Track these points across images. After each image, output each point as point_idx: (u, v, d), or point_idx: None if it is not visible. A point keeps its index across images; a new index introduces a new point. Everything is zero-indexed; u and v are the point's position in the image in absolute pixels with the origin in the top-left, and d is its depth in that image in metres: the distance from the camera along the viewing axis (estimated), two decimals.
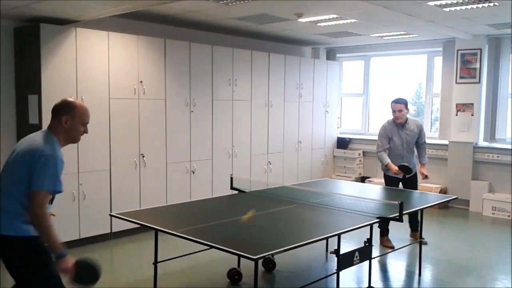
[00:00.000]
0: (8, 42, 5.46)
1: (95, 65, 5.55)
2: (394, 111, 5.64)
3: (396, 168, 5.54)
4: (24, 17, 5.25)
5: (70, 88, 5.36)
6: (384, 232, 5.69)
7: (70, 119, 2.80)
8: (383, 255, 5.30)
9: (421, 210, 4.66)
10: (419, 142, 5.80)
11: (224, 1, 5.23)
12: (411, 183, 5.75)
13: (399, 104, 5.61)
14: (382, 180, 6.10)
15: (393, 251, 5.46)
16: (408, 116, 5.77)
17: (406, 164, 5.55)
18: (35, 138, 2.77)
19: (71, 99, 2.92)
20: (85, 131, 2.90)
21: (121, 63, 5.78)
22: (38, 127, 5.19)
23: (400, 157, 5.67)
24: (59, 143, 2.80)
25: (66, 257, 2.64)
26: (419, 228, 5.59)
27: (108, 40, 5.65)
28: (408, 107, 5.72)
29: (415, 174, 5.81)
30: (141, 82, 5.96)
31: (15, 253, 2.65)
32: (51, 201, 2.84)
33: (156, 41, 6.12)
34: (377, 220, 3.85)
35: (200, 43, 6.70)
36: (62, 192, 2.78)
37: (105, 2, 4.67)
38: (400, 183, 5.79)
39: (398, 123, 5.67)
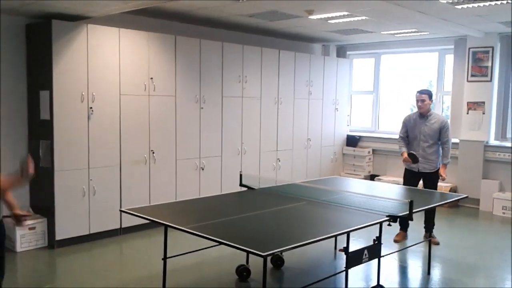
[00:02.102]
0: (20, 38, 5.51)
1: (106, 62, 5.58)
2: (417, 101, 5.74)
3: (405, 155, 5.69)
4: (36, 13, 5.29)
5: (81, 84, 5.39)
6: (403, 226, 5.77)
7: None
8: (392, 253, 5.28)
9: (432, 208, 4.63)
10: (442, 141, 5.73)
11: None
12: (431, 182, 5.73)
13: (423, 94, 5.71)
14: (391, 178, 6.11)
15: (402, 249, 5.45)
16: (434, 111, 5.87)
17: (413, 152, 5.64)
18: None
19: None
20: None
21: (132, 59, 5.81)
22: (49, 122, 5.24)
23: (416, 149, 5.71)
24: None
25: None
26: (431, 229, 5.59)
27: (119, 37, 5.67)
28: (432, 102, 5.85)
29: (436, 174, 5.76)
30: (151, 78, 5.98)
31: None
32: None
33: (166, 38, 6.14)
34: (387, 218, 3.83)
35: (211, 40, 6.71)
36: None
37: None
38: (421, 182, 5.81)
39: (420, 114, 5.74)
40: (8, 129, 5.49)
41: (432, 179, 5.74)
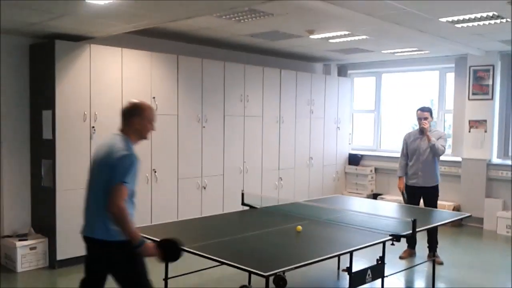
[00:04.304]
0: (23, 58, 5.55)
1: (109, 81, 5.61)
2: (419, 119, 5.80)
3: (401, 186, 5.91)
4: (39, 33, 5.34)
5: (84, 103, 5.41)
6: (410, 244, 5.77)
7: (141, 121, 3.08)
8: (396, 273, 5.22)
9: (436, 228, 4.60)
10: None
11: (236, 18, 5.28)
12: (431, 197, 5.78)
13: (425, 112, 5.81)
14: (395, 197, 6.10)
15: (406, 269, 5.39)
16: (434, 127, 6.00)
17: (404, 194, 5.91)
18: (111, 143, 3.02)
19: (137, 101, 3.17)
20: (152, 128, 3.18)
21: (134, 79, 5.84)
22: (51, 142, 5.25)
23: (415, 164, 5.78)
24: (131, 143, 3.07)
25: (146, 243, 2.91)
26: (435, 249, 5.56)
27: (122, 57, 5.71)
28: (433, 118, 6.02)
29: (436, 189, 5.81)
30: (153, 98, 6.00)
31: (109, 255, 2.90)
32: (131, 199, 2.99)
33: (169, 58, 6.18)
34: (390, 237, 3.80)
35: (213, 59, 6.75)
36: (132, 190, 2.96)
37: (119, 19, 4.74)
38: (422, 199, 5.86)
39: (421, 131, 5.81)
40: (10, 148, 5.50)
41: (432, 194, 5.79)
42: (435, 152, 5.70)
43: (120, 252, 2.88)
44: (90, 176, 3.08)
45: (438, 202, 6.97)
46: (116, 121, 5.63)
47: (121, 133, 3.09)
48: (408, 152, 5.91)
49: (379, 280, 3.93)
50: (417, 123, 5.88)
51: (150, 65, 5.98)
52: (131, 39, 6.09)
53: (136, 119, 3.07)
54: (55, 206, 5.26)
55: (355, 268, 3.66)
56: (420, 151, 5.78)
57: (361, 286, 3.78)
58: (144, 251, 2.91)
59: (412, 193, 5.84)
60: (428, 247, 5.76)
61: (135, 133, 3.09)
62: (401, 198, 6.07)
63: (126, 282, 2.96)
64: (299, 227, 3.99)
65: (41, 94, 5.45)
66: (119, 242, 2.86)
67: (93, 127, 5.48)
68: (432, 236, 5.65)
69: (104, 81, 5.57)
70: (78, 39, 5.49)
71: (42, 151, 5.45)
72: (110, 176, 2.85)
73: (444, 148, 5.78)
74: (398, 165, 6.05)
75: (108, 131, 5.55)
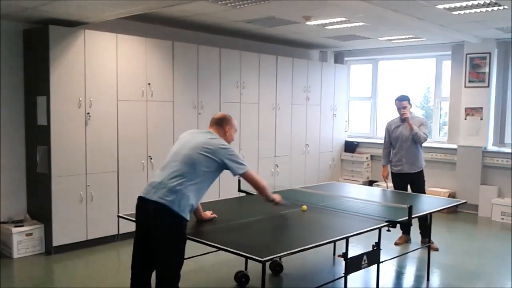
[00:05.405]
0: (17, 44, 5.50)
1: (104, 67, 5.57)
2: (399, 108, 5.83)
3: (385, 174, 6.08)
4: (33, 19, 5.29)
5: (78, 89, 5.38)
6: (405, 230, 5.80)
7: (229, 129, 3.69)
8: (391, 259, 5.26)
9: (430, 214, 4.63)
10: None
11: (233, 4, 5.24)
12: (418, 183, 5.81)
13: (404, 101, 5.83)
14: (390, 184, 6.12)
15: (401, 255, 5.43)
16: (415, 114, 6.07)
17: (387, 182, 6.10)
18: (209, 134, 3.53)
19: (227, 114, 3.79)
20: (233, 139, 3.75)
21: (129, 65, 5.80)
22: (46, 128, 5.22)
23: (399, 152, 5.83)
24: None
25: (274, 195, 3.73)
26: (429, 235, 5.59)
27: (117, 42, 5.67)
28: (412, 105, 6.06)
29: (422, 174, 5.84)
30: (149, 84, 5.97)
31: (165, 224, 3.17)
32: None
33: (164, 44, 6.14)
34: (386, 223, 3.82)
35: (208, 45, 6.71)
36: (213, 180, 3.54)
37: (114, 4, 4.69)
38: (409, 185, 5.87)
39: (402, 119, 5.83)
40: (5, 135, 5.47)
41: (418, 179, 5.83)
42: (418, 140, 5.72)
43: (173, 224, 3.17)
44: (175, 153, 3.43)
45: (434, 189, 7.01)
46: (111, 107, 5.64)
47: (215, 133, 3.59)
48: (391, 140, 5.94)
49: (375, 266, 3.95)
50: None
51: (145, 51, 5.94)
52: (126, 25, 6.04)
53: (227, 126, 3.67)
54: (50, 192, 5.26)
55: (351, 254, 3.68)
56: (402, 138, 5.80)
57: (356, 272, 3.81)
58: (277, 198, 3.75)
59: (399, 180, 5.88)
60: (421, 233, 5.80)
61: (224, 136, 3.61)
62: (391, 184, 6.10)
63: (166, 250, 3.20)
64: (304, 207, 4.22)
65: (36, 80, 5.41)
66: (180, 216, 3.17)
67: (88, 113, 5.46)
68: (425, 222, 5.68)
69: (99, 67, 5.53)
70: (72, 25, 5.44)
71: (37, 137, 5.43)
72: (233, 167, 3.45)
73: (426, 135, 5.79)
74: (382, 154, 6.13)
75: (103, 117, 5.57)
